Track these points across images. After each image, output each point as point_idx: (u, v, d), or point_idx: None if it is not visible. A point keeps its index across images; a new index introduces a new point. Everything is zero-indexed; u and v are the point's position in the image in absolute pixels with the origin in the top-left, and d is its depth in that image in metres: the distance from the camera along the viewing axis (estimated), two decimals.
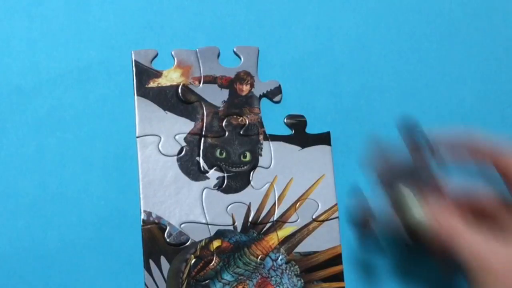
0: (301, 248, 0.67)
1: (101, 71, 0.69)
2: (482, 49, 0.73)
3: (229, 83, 0.69)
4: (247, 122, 0.69)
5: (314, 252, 0.67)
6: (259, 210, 0.67)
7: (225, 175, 0.68)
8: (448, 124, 0.71)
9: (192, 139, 0.68)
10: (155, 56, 0.69)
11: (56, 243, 0.65)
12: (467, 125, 0.71)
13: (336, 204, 0.68)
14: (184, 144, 0.68)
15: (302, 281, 0.67)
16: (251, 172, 0.68)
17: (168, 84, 0.69)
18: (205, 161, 0.68)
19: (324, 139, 0.69)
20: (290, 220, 0.67)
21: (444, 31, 0.73)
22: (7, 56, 0.69)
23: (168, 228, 0.66)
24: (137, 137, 0.67)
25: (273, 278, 0.66)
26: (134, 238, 0.66)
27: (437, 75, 0.72)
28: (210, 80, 0.69)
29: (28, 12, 0.70)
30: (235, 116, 0.69)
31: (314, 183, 0.68)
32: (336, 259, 0.67)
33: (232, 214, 0.67)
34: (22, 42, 0.69)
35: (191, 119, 0.68)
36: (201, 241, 0.66)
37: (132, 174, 0.67)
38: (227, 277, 0.66)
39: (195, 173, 0.67)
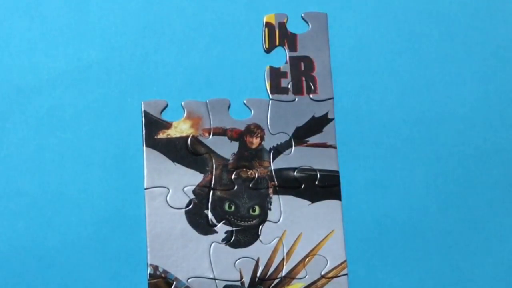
0: None
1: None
2: (482, 49, 0.73)
3: (239, 136, 0.69)
4: (256, 175, 0.68)
5: None
6: (267, 266, 0.66)
7: (234, 229, 0.67)
8: (448, 124, 0.70)
9: (201, 191, 0.67)
10: (165, 107, 0.69)
11: (55, 244, 0.65)
12: (467, 125, 0.70)
13: (345, 261, 0.67)
14: (192, 196, 0.67)
15: None
16: (260, 227, 0.67)
17: (178, 135, 0.68)
18: (213, 215, 0.67)
19: (334, 193, 0.68)
20: (298, 276, 0.66)
21: (444, 31, 0.73)
22: (7, 56, 0.69)
23: (175, 283, 0.65)
24: (145, 189, 0.67)
25: None
26: None
27: (437, 75, 0.72)
28: (220, 132, 0.69)
29: (28, 12, 0.70)
30: (244, 169, 0.68)
31: (323, 239, 0.67)
32: None
33: (240, 269, 0.66)
34: (22, 42, 0.69)
35: (200, 171, 0.68)
36: None
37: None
38: None
39: (203, 227, 0.66)
